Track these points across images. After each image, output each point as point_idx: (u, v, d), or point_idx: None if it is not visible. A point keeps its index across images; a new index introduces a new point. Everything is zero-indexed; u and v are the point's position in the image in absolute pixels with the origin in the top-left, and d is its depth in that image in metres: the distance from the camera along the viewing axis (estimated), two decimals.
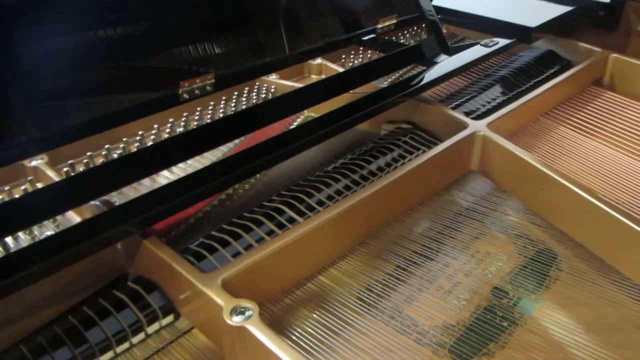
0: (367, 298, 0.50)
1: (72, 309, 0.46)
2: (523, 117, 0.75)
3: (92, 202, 0.52)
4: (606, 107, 0.83)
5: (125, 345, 0.44)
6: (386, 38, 0.82)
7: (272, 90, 0.80)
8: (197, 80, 0.58)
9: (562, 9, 0.92)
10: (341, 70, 0.84)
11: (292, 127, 0.74)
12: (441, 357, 0.45)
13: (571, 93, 0.84)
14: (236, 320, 0.40)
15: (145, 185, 0.63)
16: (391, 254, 0.55)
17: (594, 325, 0.48)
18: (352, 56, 0.91)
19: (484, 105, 0.76)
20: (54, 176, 0.59)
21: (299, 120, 0.77)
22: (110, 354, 0.43)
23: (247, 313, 0.41)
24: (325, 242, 0.53)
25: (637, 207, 0.62)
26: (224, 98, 0.76)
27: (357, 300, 0.50)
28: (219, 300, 0.42)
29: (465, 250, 0.56)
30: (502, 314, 0.49)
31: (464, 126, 0.66)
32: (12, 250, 0.52)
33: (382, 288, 0.51)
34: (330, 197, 0.57)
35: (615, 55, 0.88)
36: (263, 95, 0.79)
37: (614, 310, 0.50)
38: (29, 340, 0.42)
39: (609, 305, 0.50)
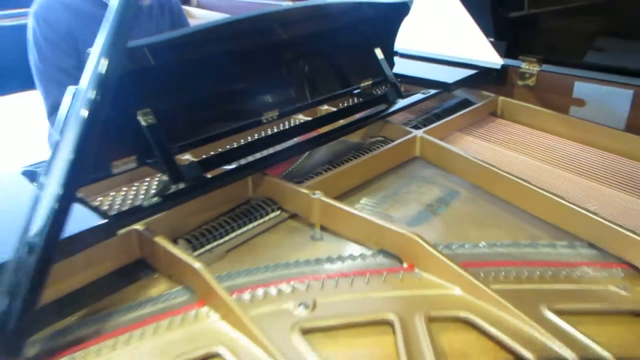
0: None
1: (230, 210, 0.99)
2: (446, 129, 1.32)
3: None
4: (498, 127, 1.41)
5: (255, 223, 0.96)
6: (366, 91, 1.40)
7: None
8: (269, 113, 1.14)
9: (471, 72, 1.53)
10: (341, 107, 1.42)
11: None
12: None
13: (476, 119, 1.43)
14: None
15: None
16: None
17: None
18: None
19: (422, 124, 1.33)
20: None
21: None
22: (251, 224, 0.96)
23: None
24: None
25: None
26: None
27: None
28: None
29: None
30: None
31: (412, 133, 1.23)
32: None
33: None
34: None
35: (502, 98, 1.47)
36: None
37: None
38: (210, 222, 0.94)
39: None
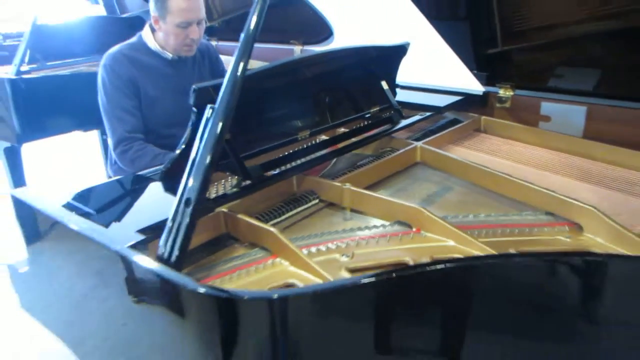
0: None
1: (276, 209, 1.33)
2: (440, 141, 1.67)
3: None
4: (481, 139, 1.77)
5: (301, 208, 1.30)
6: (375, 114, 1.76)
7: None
8: (303, 132, 1.49)
9: (458, 97, 1.90)
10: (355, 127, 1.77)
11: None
12: None
13: (464, 134, 1.78)
14: None
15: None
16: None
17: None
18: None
19: (422, 138, 1.69)
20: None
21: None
22: (299, 208, 1.30)
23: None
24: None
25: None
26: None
27: None
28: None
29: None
30: None
31: (414, 144, 1.58)
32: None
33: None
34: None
35: (484, 117, 1.84)
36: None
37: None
38: (271, 207, 1.29)
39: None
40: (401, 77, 1.84)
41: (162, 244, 0.91)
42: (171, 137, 1.96)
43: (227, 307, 0.77)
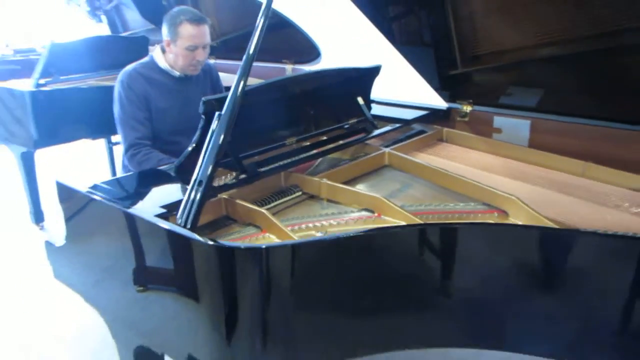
0: None
1: (266, 198, 1.63)
2: (406, 148, 1.98)
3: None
4: (443, 147, 2.08)
5: (287, 197, 1.60)
6: (352, 125, 2.07)
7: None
8: (290, 139, 1.80)
9: (424, 112, 2.22)
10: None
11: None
12: None
13: (428, 143, 2.10)
14: None
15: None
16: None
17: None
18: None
19: (392, 145, 2.00)
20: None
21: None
22: (285, 198, 1.60)
23: None
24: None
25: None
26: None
27: None
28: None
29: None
30: None
31: (382, 150, 1.89)
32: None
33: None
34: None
35: (446, 129, 2.15)
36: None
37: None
38: (263, 196, 1.60)
39: None
40: (378, 94, 2.16)
41: (179, 216, 1.21)
42: (175, 144, 2.27)
43: (227, 255, 1.07)
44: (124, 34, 4.98)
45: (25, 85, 3.15)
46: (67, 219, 1.48)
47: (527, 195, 1.54)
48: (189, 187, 1.22)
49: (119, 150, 3.86)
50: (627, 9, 1.57)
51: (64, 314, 2.60)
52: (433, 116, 2.23)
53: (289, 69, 3.40)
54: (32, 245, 3.31)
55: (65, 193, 1.46)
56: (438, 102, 2.26)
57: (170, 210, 1.30)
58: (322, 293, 1.15)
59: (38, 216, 3.50)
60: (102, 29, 5.28)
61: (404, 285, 1.21)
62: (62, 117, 3.14)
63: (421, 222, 1.38)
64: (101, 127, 3.24)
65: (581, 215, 1.44)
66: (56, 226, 1.55)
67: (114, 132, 3.53)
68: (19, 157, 3.31)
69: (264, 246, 1.06)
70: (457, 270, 1.22)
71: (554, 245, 1.21)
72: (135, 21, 4.90)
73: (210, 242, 1.08)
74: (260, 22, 1.40)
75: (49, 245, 1.61)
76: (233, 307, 1.13)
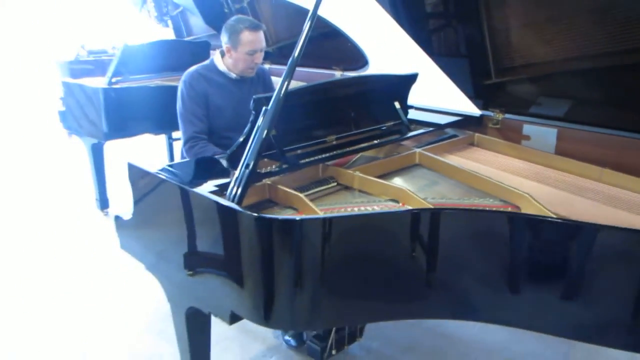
0: None
1: (305, 186, 1.84)
2: (438, 150, 2.15)
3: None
4: (473, 151, 2.23)
5: (323, 187, 1.81)
6: (390, 127, 2.26)
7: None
8: (331, 137, 2.01)
9: (457, 118, 2.39)
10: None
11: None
12: None
13: (459, 146, 2.26)
14: None
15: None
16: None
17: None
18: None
19: (424, 146, 2.17)
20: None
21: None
22: (322, 187, 1.80)
23: None
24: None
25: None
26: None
27: None
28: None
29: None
30: None
31: (413, 150, 2.07)
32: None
33: None
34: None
35: (477, 134, 2.31)
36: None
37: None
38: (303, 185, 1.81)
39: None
40: (417, 100, 2.34)
41: (229, 193, 1.44)
42: (228, 139, 2.52)
43: (266, 225, 1.29)
44: (187, 39, 5.35)
45: (98, 82, 3.50)
46: (135, 197, 1.74)
47: (542, 195, 1.69)
48: (237, 170, 1.45)
49: (178, 146, 4.20)
50: None
51: (126, 291, 2.91)
52: (466, 122, 2.38)
53: (338, 74, 3.61)
54: (97, 229, 3.66)
55: (135, 173, 1.72)
56: (472, 109, 2.42)
57: (222, 189, 1.53)
58: (345, 263, 1.35)
59: (104, 203, 3.86)
60: (168, 33, 5.67)
61: (409, 262, 1.39)
62: (130, 113, 3.47)
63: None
64: (164, 123, 3.56)
65: (587, 214, 1.58)
66: (121, 210, 1.81)
67: (175, 129, 3.88)
68: (89, 148, 3.66)
69: (298, 218, 1.27)
70: (448, 250, 1.40)
71: (531, 231, 1.37)
72: (198, 27, 5.25)
73: (253, 214, 1.30)
74: (306, 27, 1.61)
75: (117, 219, 1.87)
76: (270, 273, 1.34)
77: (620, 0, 1.68)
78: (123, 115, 3.44)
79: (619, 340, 1.31)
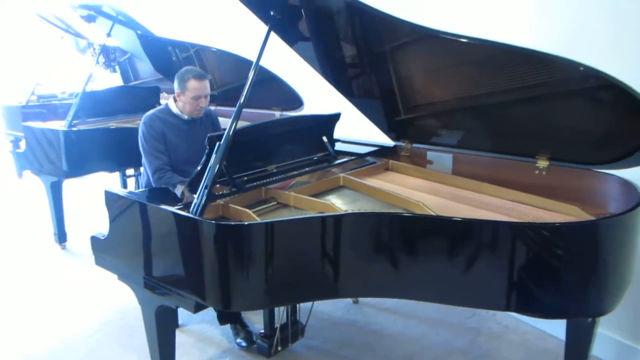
0: None
1: (250, 205, 2.28)
2: (359, 174, 2.65)
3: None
4: (388, 174, 2.74)
5: (265, 205, 2.26)
6: (319, 157, 2.74)
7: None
8: (270, 166, 2.48)
9: (375, 148, 2.91)
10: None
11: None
12: None
13: (377, 171, 2.76)
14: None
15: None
16: None
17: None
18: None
19: (348, 172, 2.66)
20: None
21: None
22: (264, 205, 2.25)
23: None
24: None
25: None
26: None
27: None
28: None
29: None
30: None
31: (338, 174, 2.56)
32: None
33: None
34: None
35: (392, 161, 2.83)
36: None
37: None
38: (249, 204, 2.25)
39: None
40: (342, 134, 2.84)
41: (192, 209, 1.87)
42: (185, 172, 2.93)
43: (220, 229, 1.72)
44: (135, 82, 5.74)
45: (58, 126, 3.84)
46: (111, 217, 2.13)
47: (433, 203, 2.20)
48: (198, 191, 1.88)
49: (132, 183, 4.55)
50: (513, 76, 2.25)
51: (83, 314, 3.21)
52: (382, 151, 2.90)
53: (277, 114, 4.11)
54: (55, 262, 3.94)
55: (111, 198, 2.11)
56: (387, 140, 2.95)
57: (186, 207, 1.95)
58: (283, 256, 1.79)
59: (62, 237, 4.14)
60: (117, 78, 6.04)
61: (328, 253, 1.86)
62: (87, 153, 3.82)
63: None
64: (119, 161, 3.94)
65: (460, 214, 2.10)
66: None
67: (130, 166, 4.28)
68: (48, 186, 3.96)
69: (246, 223, 1.71)
70: (353, 243, 1.89)
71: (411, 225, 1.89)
72: (144, 71, 5.67)
73: (212, 222, 1.73)
74: (250, 76, 2.08)
75: (93, 238, 2.25)
76: (226, 267, 1.77)
77: (491, 54, 2.20)
78: (81, 155, 3.78)
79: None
